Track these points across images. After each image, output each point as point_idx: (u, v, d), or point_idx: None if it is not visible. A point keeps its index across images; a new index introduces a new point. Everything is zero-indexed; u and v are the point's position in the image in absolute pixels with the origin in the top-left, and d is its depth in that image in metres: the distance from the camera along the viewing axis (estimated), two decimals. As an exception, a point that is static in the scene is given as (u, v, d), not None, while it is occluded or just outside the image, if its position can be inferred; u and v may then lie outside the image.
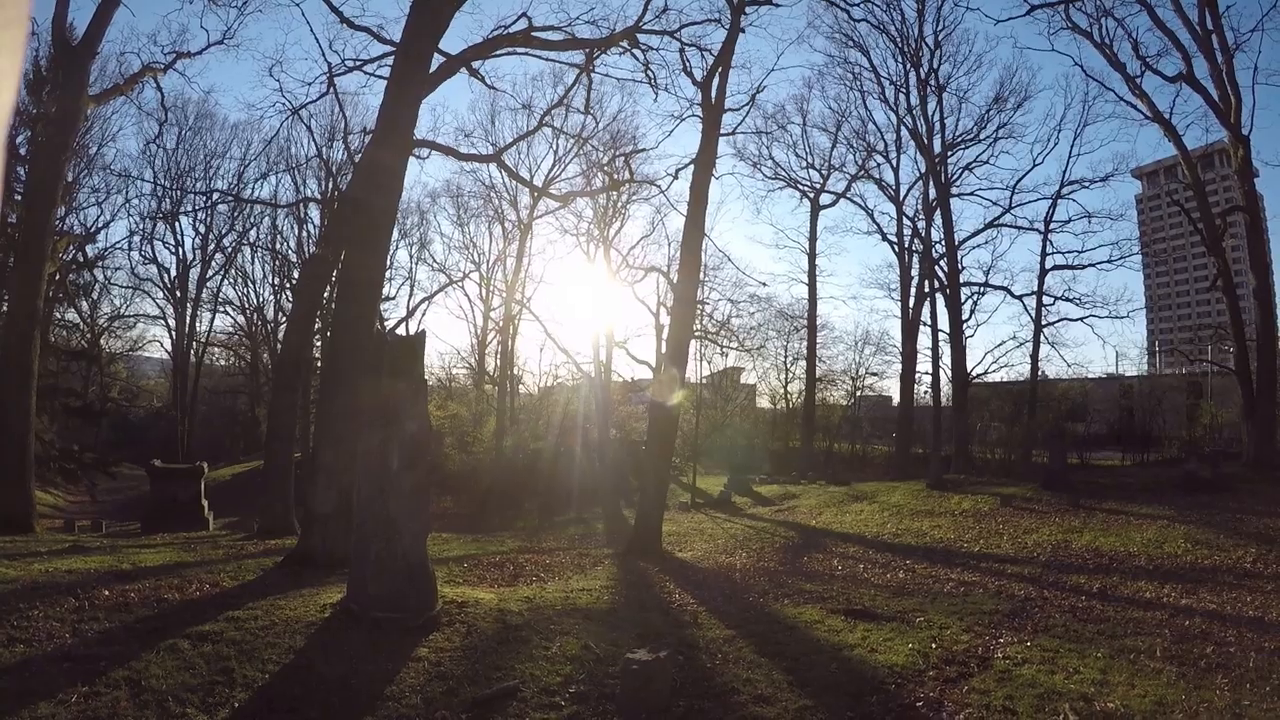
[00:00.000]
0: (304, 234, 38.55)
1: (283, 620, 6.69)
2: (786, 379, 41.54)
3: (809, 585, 9.98)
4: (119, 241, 50.61)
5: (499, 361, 35.58)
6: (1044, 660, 6.58)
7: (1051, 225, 30.59)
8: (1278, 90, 78.76)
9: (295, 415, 16.86)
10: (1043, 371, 32.55)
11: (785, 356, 40.97)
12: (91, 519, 21.48)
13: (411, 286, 41.67)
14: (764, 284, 62.54)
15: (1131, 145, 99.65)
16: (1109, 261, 30.10)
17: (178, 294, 41.71)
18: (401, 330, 33.06)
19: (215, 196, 39.50)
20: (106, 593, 7.22)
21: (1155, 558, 11.47)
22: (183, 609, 6.93)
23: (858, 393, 42.23)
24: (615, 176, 25.19)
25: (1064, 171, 32.73)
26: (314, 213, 36.77)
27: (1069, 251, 31.00)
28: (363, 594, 6.84)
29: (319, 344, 27.54)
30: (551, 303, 67.64)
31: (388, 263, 13.68)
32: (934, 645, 6.93)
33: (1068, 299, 30.19)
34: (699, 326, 28.45)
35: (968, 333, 29.88)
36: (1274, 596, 8.89)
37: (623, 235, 49.73)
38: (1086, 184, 30.29)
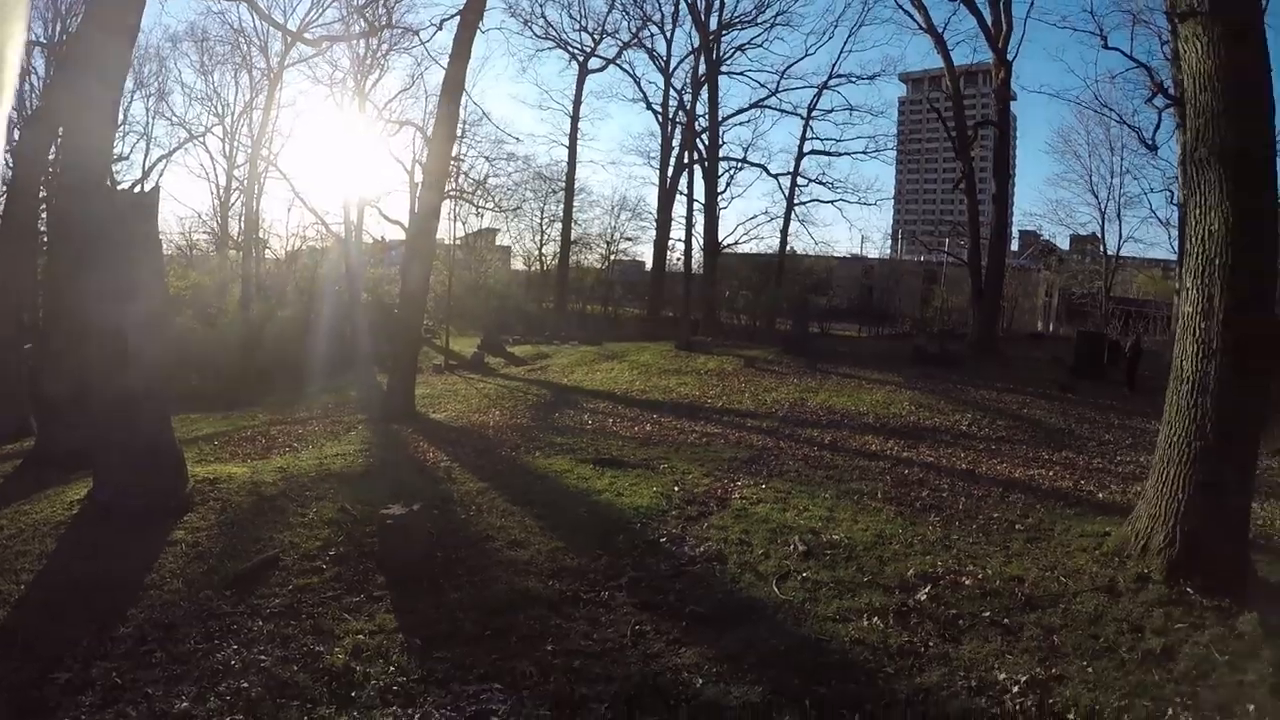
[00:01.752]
0: (26, 87, 32.14)
1: (30, 526, 6.33)
2: (542, 241, 41.76)
3: (560, 439, 10.63)
4: None
5: (243, 224, 32.67)
6: (777, 500, 7.59)
7: (814, 113, 32.69)
8: (1046, 27, 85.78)
9: (21, 295, 14.52)
10: (791, 247, 35.51)
11: (542, 218, 41.08)
12: None
13: (148, 144, 36.56)
14: (518, 139, 61.00)
15: (902, 51, 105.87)
16: (864, 153, 33.02)
17: None
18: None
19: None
20: None
21: (882, 417, 12.92)
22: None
23: (612, 257, 43.31)
24: (375, 23, 23.39)
25: (834, 64, 34.99)
26: (38, 62, 30.59)
27: (828, 139, 33.59)
28: (109, 484, 6.57)
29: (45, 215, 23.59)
30: (301, 160, 61.54)
31: (120, 116, 11.88)
32: (677, 489, 7.78)
33: (821, 182, 32.98)
34: (455, 185, 27.65)
35: (722, 204, 31.97)
36: (984, 454, 10.48)
37: (380, 88, 46.39)
38: (854, 79, 32.74)
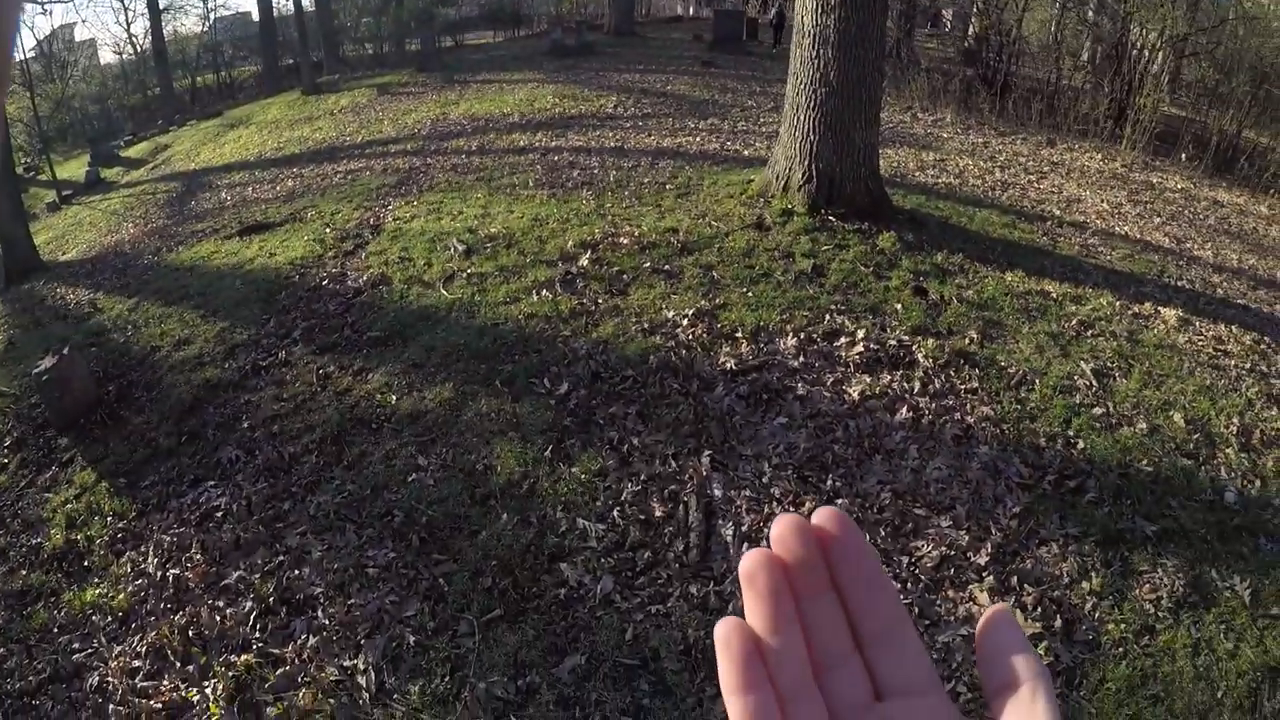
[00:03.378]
0: None
1: None
2: (129, 20, 34.71)
3: (201, 225, 9.74)
4: None
5: None
6: (431, 212, 7.55)
7: None
8: None
9: None
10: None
11: (120, -7, 33.71)
12: None
13: None
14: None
15: None
16: None
17: None
18: None
19: None
20: None
21: (527, 114, 12.63)
22: None
23: (212, 15, 37.15)
24: None
25: None
26: None
27: None
28: None
29: None
30: None
31: None
32: (329, 231, 7.53)
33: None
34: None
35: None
36: (631, 132, 10.67)
37: None
38: None
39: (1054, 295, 5.55)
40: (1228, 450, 4.02)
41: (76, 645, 3.61)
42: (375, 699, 2.94)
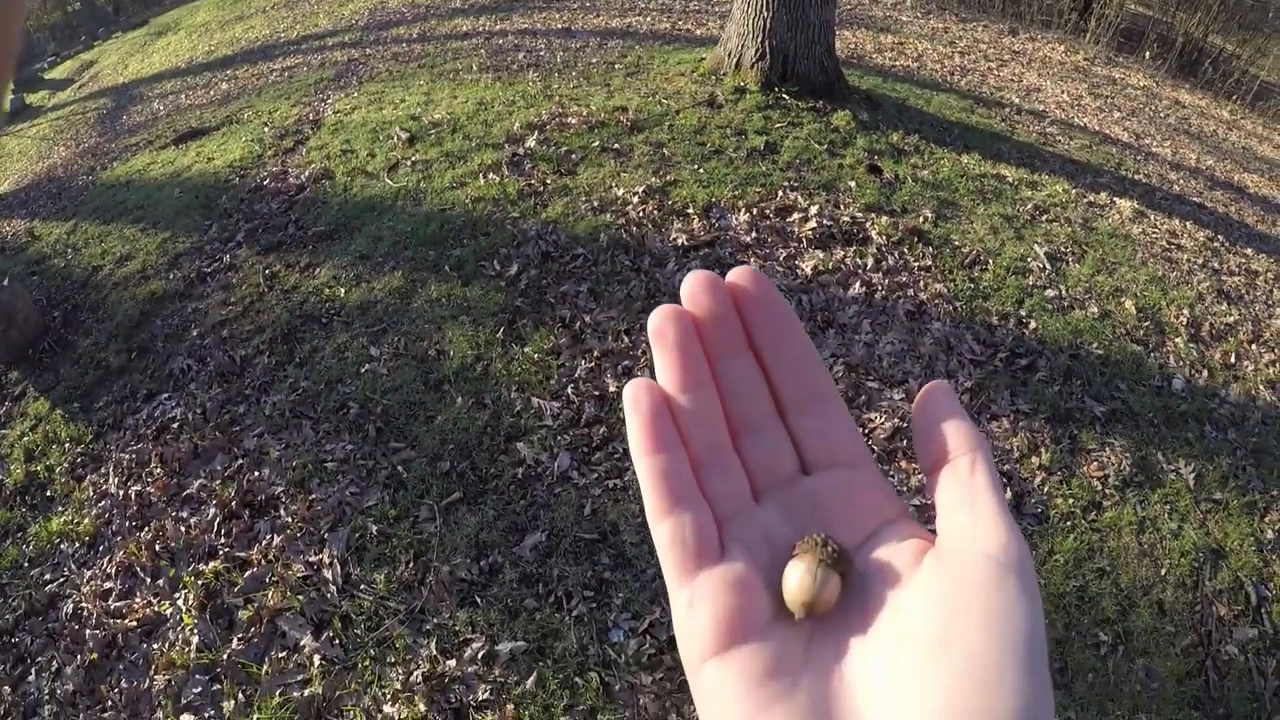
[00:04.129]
0: None
1: None
2: None
3: (135, 139, 9.32)
4: None
5: None
6: (372, 103, 7.22)
7: None
8: None
9: None
10: None
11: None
12: None
13: None
14: None
15: None
16: None
17: None
18: None
19: None
20: None
21: None
22: None
23: None
24: None
25: None
26: None
27: None
28: None
29: None
30: None
31: None
32: (267, 130, 7.20)
33: None
34: None
35: None
36: (579, 13, 10.11)
37: None
38: None
39: (1010, 179, 5.53)
40: (1177, 340, 4.12)
41: (48, 576, 3.59)
42: (342, 591, 2.94)
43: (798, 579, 0.35)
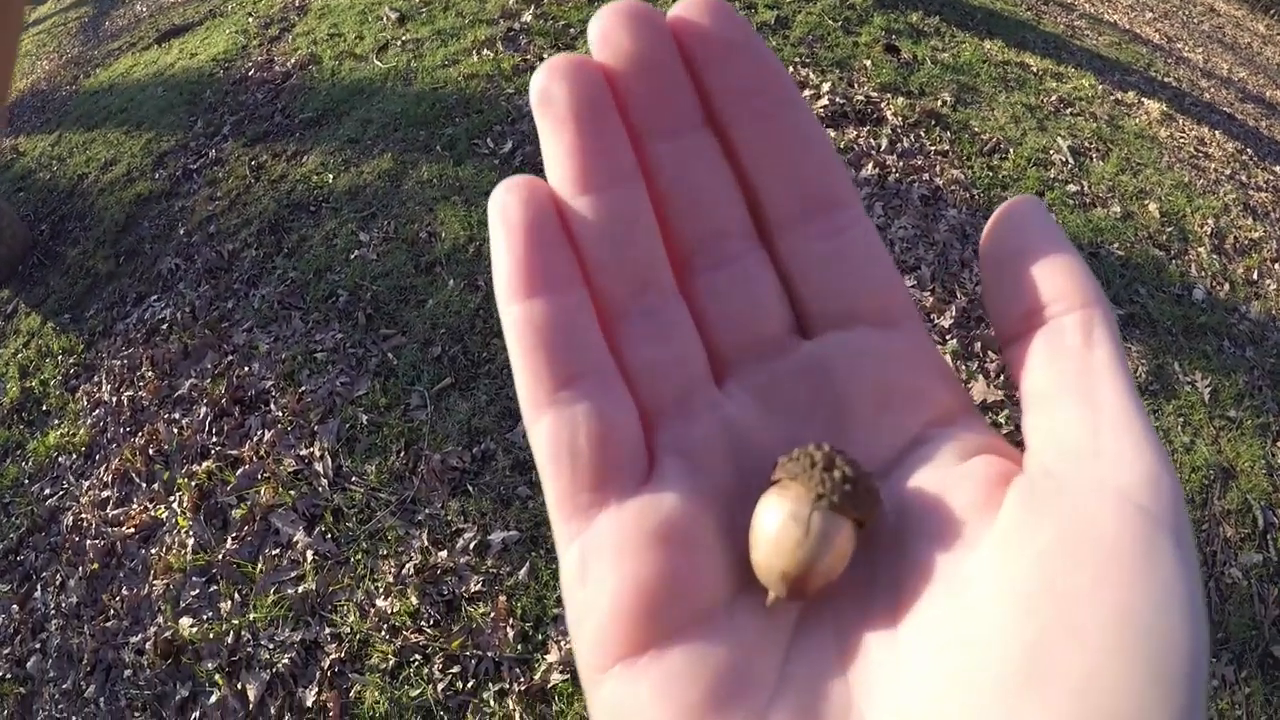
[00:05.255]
0: None
1: None
2: None
3: (118, 43, 8.85)
4: None
5: None
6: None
7: None
8: None
9: None
10: None
11: None
12: None
13: None
14: None
15: None
16: None
17: None
18: None
19: None
20: None
21: None
22: None
23: None
24: None
25: None
26: None
27: None
28: None
29: None
30: None
31: None
32: (251, 20, 6.83)
33: None
34: None
35: None
36: None
37: None
38: None
39: (1034, 69, 5.15)
40: (1200, 249, 3.89)
41: (48, 491, 3.50)
42: (334, 484, 2.78)
43: (778, 527, 0.19)
